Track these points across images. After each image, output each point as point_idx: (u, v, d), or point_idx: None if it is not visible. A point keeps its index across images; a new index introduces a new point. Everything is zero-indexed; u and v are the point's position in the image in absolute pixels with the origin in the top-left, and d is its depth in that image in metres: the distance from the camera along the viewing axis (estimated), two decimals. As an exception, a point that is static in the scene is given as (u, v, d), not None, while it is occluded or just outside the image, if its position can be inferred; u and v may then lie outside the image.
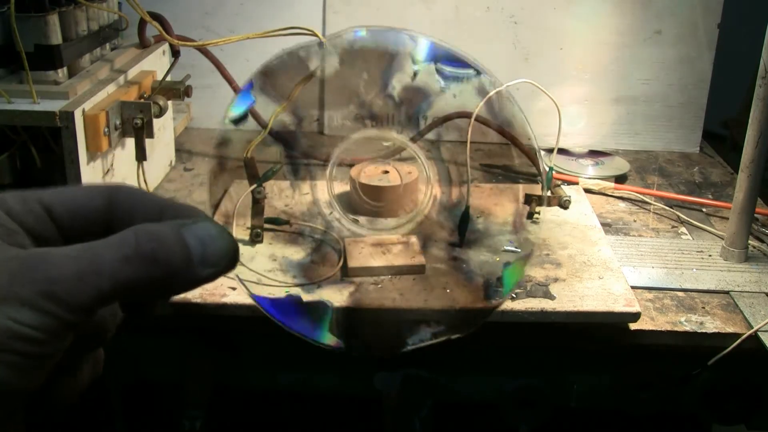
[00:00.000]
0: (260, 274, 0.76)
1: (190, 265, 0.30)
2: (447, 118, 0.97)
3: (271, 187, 0.64)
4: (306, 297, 0.46)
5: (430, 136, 0.48)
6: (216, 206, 0.87)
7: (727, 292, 0.78)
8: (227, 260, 0.31)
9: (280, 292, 0.46)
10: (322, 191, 0.74)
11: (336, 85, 0.46)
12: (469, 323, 0.50)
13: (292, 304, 0.46)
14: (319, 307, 0.47)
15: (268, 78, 0.44)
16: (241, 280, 0.41)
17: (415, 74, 0.45)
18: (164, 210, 0.32)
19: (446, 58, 0.45)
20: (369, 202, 0.70)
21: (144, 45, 0.98)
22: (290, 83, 0.46)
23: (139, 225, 0.30)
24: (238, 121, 0.45)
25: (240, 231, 0.80)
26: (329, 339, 0.44)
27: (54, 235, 0.32)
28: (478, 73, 0.45)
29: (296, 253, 0.51)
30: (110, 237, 0.29)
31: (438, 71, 0.46)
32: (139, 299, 0.33)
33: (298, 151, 0.49)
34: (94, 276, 0.28)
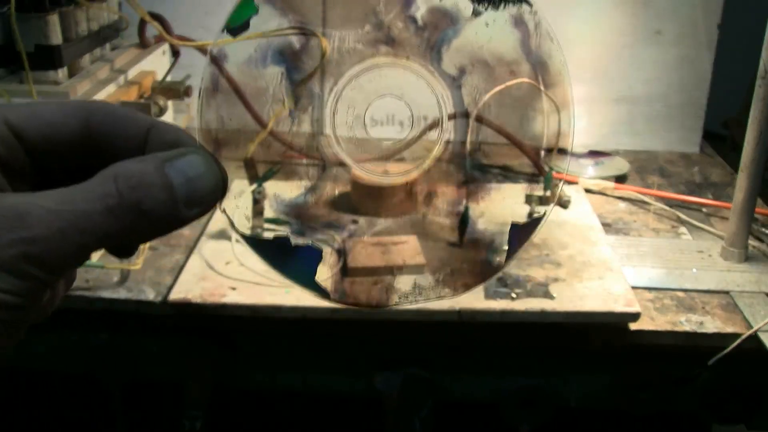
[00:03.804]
0: (259, 278, 0.76)
1: (176, 209, 0.28)
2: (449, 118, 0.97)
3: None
4: (296, 240, 0.42)
5: (452, 70, 0.43)
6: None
7: (727, 292, 0.78)
8: (214, 197, 0.29)
9: (268, 235, 0.42)
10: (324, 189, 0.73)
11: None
12: (464, 285, 0.47)
13: (280, 247, 0.42)
14: (311, 252, 0.43)
15: None
16: (231, 221, 0.38)
17: None
18: (148, 134, 0.30)
19: None
20: (369, 202, 0.70)
21: (144, 45, 0.98)
22: None
23: (120, 166, 0.27)
24: (236, 31, 0.41)
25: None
26: (315, 287, 0.41)
27: (23, 162, 0.29)
28: None
29: (290, 190, 0.47)
30: (89, 183, 0.27)
31: None
32: (121, 243, 0.31)
33: (298, 77, 0.44)
34: (77, 233, 0.26)
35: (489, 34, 0.42)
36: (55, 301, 0.31)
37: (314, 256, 0.41)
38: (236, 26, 0.40)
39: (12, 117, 0.28)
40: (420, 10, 0.41)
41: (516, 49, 0.43)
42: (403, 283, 0.45)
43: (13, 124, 0.28)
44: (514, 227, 0.43)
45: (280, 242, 0.41)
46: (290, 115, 0.44)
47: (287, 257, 0.41)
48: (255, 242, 0.41)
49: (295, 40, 0.42)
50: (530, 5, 0.40)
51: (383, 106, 0.44)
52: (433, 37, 0.42)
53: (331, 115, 0.42)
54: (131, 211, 0.27)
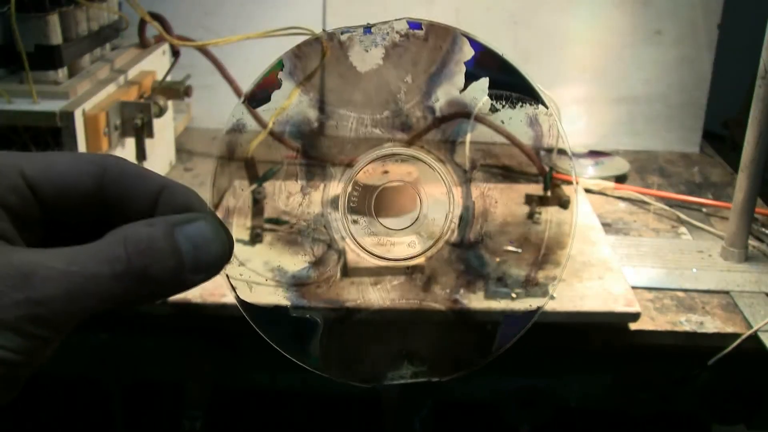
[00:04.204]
0: (259, 279, 0.76)
1: (182, 275, 0.28)
2: (445, 119, 0.97)
3: (273, 187, 0.63)
4: (294, 312, 0.43)
5: (464, 163, 0.44)
6: (216, 206, 0.87)
7: (727, 292, 0.78)
8: (220, 264, 0.29)
9: (270, 299, 0.43)
10: (330, 192, 0.73)
11: (375, 82, 0.41)
12: (454, 369, 0.47)
13: (278, 315, 0.43)
14: (306, 324, 0.44)
15: (301, 61, 0.41)
16: (230, 282, 0.39)
17: (465, 87, 0.41)
18: (160, 195, 0.30)
19: (504, 74, 0.41)
20: (369, 202, 0.70)
21: (144, 45, 0.98)
22: (324, 73, 0.41)
23: (130, 229, 0.27)
24: (257, 103, 0.41)
25: (240, 231, 0.80)
26: (309, 359, 0.42)
27: (36, 215, 0.29)
28: (535, 100, 0.41)
29: (294, 264, 0.48)
30: (99, 244, 0.27)
31: (492, 88, 0.41)
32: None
33: (313, 154, 0.45)
34: (85, 296, 0.26)
35: (507, 132, 0.43)
36: (51, 351, 0.32)
37: (310, 327, 0.43)
38: (258, 98, 0.41)
39: (28, 169, 0.28)
40: (439, 101, 0.42)
41: (530, 140, 0.44)
42: (396, 361, 0.46)
43: (27, 176, 0.28)
44: (508, 317, 0.45)
45: (279, 312, 0.42)
46: (302, 191, 0.44)
47: (283, 327, 0.42)
48: (253, 309, 0.41)
49: (314, 119, 0.42)
50: (546, 107, 0.41)
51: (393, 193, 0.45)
52: (449, 129, 0.43)
53: (344, 198, 0.43)
54: (138, 277, 0.27)
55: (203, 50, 0.98)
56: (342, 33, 0.39)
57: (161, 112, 0.87)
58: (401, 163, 0.46)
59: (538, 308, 0.44)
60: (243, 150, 0.43)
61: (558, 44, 1.14)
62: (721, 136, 1.28)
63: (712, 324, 0.73)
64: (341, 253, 0.46)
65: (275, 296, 0.44)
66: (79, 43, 0.85)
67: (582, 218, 0.90)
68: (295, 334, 0.42)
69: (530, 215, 0.89)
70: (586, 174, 1.05)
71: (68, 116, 0.75)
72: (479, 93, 0.40)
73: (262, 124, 0.44)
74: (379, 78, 0.40)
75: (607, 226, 0.92)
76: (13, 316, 0.25)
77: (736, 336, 0.72)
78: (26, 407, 0.91)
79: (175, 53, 0.99)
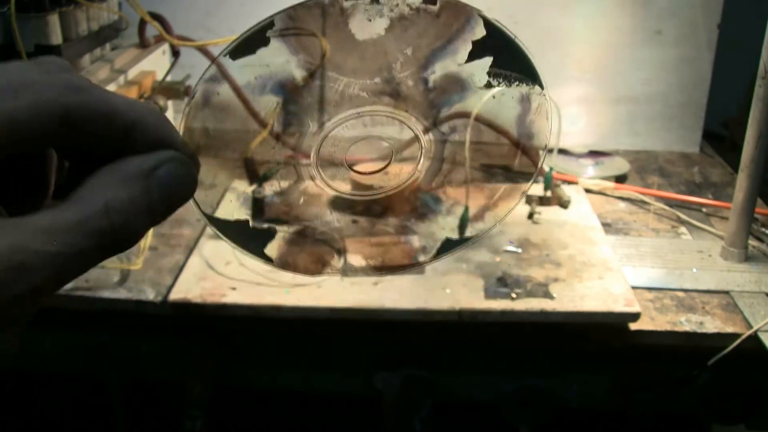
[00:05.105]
0: (259, 278, 0.76)
1: (153, 224, 0.28)
2: (446, 119, 0.97)
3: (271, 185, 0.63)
4: (253, 224, 0.44)
5: (445, 128, 0.45)
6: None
7: (727, 292, 0.78)
8: (187, 200, 0.30)
9: (230, 215, 0.43)
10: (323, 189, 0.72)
11: (372, 51, 0.41)
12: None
13: (241, 228, 0.43)
14: (267, 233, 0.44)
15: (295, 22, 0.40)
16: (197, 204, 0.39)
17: (465, 63, 0.41)
18: (130, 131, 0.29)
19: (509, 55, 0.41)
20: (369, 201, 0.70)
21: (144, 45, 0.99)
22: (314, 38, 0.41)
23: (110, 192, 0.27)
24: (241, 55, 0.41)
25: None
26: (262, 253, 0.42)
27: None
28: (533, 81, 0.41)
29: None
30: (79, 210, 0.27)
31: (492, 66, 0.41)
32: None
33: (295, 109, 0.44)
34: (69, 273, 0.26)
35: (492, 105, 0.43)
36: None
37: (270, 236, 0.43)
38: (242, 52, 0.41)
39: None
40: (435, 74, 0.42)
41: (510, 122, 0.44)
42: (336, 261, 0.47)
43: None
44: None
45: (241, 225, 0.43)
46: (276, 138, 0.44)
47: (247, 237, 0.43)
48: (218, 222, 0.42)
49: (299, 76, 0.42)
50: (542, 87, 0.41)
51: (367, 146, 0.45)
52: (438, 99, 0.43)
53: (316, 147, 0.43)
54: (116, 239, 0.27)
55: (203, 50, 0.98)
56: (347, 0, 0.39)
57: (161, 112, 0.87)
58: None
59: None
60: (221, 101, 0.43)
61: (558, 44, 1.14)
62: (721, 136, 1.28)
63: (712, 324, 0.73)
64: (304, 190, 0.46)
65: (238, 213, 0.44)
66: (79, 43, 0.85)
67: (582, 218, 0.90)
68: (255, 238, 0.43)
69: (530, 215, 0.90)
70: (586, 174, 1.05)
71: (68, 116, 0.75)
72: (479, 70, 0.40)
73: (262, 124, 0.44)
74: (377, 47, 0.40)
75: (607, 226, 0.92)
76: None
77: (736, 336, 0.72)
78: (26, 407, 0.91)
79: (175, 53, 0.99)
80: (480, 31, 0.40)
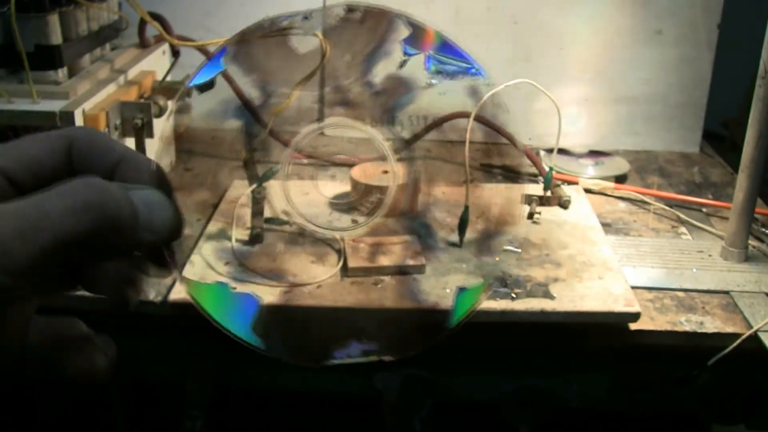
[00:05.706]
0: (259, 278, 0.76)
1: (136, 226, 0.28)
2: (445, 119, 0.97)
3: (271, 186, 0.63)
4: (235, 286, 0.44)
5: (406, 134, 0.45)
6: (216, 206, 0.87)
7: (727, 292, 0.78)
8: (170, 231, 0.30)
9: (213, 279, 0.44)
10: (324, 189, 0.73)
11: (314, 63, 0.43)
12: (408, 346, 0.47)
13: (220, 292, 0.43)
14: (246, 301, 0.44)
15: (244, 46, 0.42)
16: (179, 271, 0.39)
17: (403, 63, 0.42)
18: (121, 161, 0.31)
19: (442, 51, 0.42)
20: (368, 202, 0.70)
21: (144, 45, 0.99)
22: (266, 56, 0.43)
23: (85, 176, 0.28)
24: (203, 88, 0.43)
25: (240, 231, 0.80)
26: (250, 337, 0.42)
27: (9, 195, 0.29)
28: (474, 71, 0.42)
29: (235, 236, 0.48)
30: (57, 187, 0.27)
31: (428, 63, 0.43)
32: (84, 259, 0.31)
33: (256, 132, 0.46)
34: (35, 231, 0.25)
35: (443, 102, 0.45)
36: (25, 313, 0.31)
37: (252, 304, 0.43)
38: (203, 84, 0.43)
39: (2, 162, 0.29)
40: (378, 77, 0.43)
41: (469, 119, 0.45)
42: (344, 340, 0.46)
43: (2, 167, 0.29)
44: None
45: (221, 288, 0.43)
46: (245, 167, 0.45)
47: (227, 304, 0.43)
48: (197, 287, 0.42)
49: (256, 97, 0.44)
50: (484, 77, 0.42)
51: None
52: (389, 101, 0.44)
53: (285, 169, 0.44)
54: (93, 212, 0.26)
55: (203, 50, 0.98)
56: (282, 21, 0.40)
57: (161, 112, 0.87)
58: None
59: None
60: (186, 129, 0.45)
61: (558, 44, 1.14)
62: (721, 136, 1.28)
63: (712, 324, 0.73)
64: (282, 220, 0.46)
65: (217, 274, 0.45)
66: (79, 43, 0.85)
67: (582, 218, 0.90)
68: (238, 314, 0.43)
69: (530, 215, 0.90)
70: (586, 174, 1.05)
71: (68, 116, 0.75)
72: (416, 68, 0.41)
73: (262, 124, 0.44)
74: (318, 59, 0.41)
75: (607, 226, 0.92)
76: None
77: (736, 336, 0.72)
78: (26, 407, 0.91)
79: (175, 53, 0.99)
80: (403, 30, 0.41)
